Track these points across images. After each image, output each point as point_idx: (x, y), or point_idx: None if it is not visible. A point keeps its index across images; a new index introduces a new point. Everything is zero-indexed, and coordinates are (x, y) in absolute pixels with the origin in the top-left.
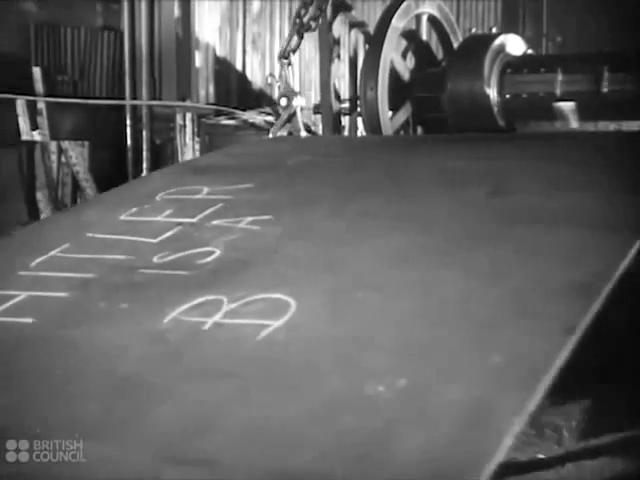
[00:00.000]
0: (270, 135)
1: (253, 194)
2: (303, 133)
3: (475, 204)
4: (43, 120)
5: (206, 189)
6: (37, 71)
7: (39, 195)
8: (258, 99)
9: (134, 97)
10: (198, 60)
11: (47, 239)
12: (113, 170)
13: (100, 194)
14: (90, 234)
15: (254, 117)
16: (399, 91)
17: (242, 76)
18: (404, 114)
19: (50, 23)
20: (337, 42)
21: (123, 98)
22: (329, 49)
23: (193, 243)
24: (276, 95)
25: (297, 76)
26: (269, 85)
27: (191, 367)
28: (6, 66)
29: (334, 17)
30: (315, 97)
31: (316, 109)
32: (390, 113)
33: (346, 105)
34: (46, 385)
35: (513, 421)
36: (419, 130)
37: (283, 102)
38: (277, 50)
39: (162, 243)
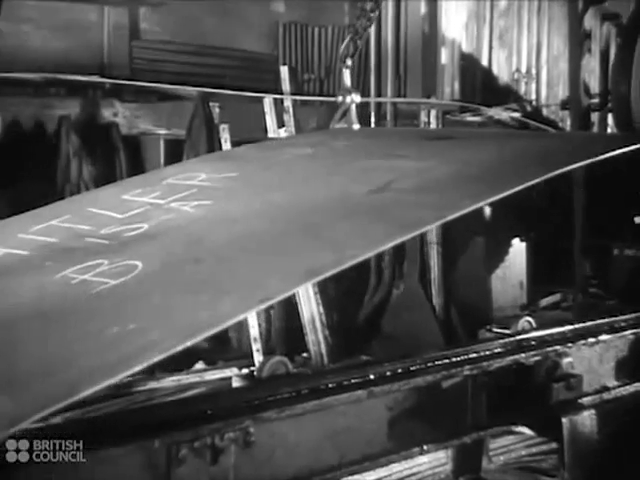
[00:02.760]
0: (330, 127)
1: (227, 182)
2: (356, 126)
3: (348, 198)
4: (289, 118)
5: (203, 175)
6: (284, 70)
7: None
8: (504, 95)
9: (378, 94)
10: (444, 57)
11: (59, 210)
12: None
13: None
14: (90, 209)
15: (500, 113)
16: None
17: (488, 72)
18: None
19: (298, 23)
20: (588, 36)
21: (368, 95)
22: (579, 43)
23: (140, 219)
24: (523, 90)
25: (543, 72)
26: (516, 81)
27: (38, 307)
28: (256, 65)
29: (585, 10)
30: (563, 92)
31: (564, 105)
32: None
33: (596, 100)
34: None
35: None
36: None
37: (340, 99)
38: (525, 45)
39: (123, 219)
